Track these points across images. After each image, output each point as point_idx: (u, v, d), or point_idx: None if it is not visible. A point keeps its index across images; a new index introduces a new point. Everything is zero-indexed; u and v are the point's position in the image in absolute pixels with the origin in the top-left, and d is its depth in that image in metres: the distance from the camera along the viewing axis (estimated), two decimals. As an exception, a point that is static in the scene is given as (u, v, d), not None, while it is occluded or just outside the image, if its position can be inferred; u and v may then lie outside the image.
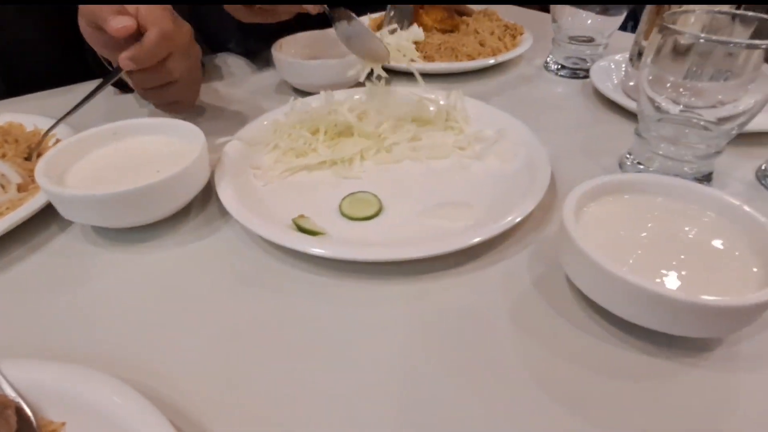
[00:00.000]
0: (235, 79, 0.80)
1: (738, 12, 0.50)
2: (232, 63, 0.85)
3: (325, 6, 0.61)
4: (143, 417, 0.28)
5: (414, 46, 0.74)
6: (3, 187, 0.48)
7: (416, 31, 0.77)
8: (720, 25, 0.52)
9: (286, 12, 0.67)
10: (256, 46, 0.85)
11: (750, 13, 0.49)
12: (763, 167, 0.52)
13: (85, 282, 0.42)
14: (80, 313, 0.39)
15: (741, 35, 0.51)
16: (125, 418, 0.28)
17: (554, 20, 0.75)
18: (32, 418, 0.29)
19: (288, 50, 0.73)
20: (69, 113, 0.55)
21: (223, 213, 0.47)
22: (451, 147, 0.55)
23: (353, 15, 0.60)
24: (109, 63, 0.60)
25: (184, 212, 0.49)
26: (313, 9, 0.61)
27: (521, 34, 0.84)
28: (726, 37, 0.47)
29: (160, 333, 0.36)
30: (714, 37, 0.44)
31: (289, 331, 0.36)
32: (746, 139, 0.56)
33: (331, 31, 0.80)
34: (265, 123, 0.58)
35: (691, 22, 0.55)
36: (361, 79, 0.62)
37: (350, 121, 0.55)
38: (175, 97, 0.61)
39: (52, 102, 0.73)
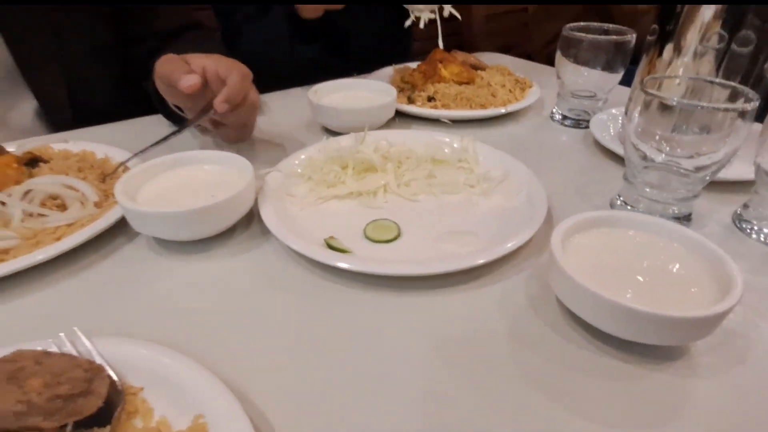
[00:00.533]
0: (274, 116, 0.90)
1: (715, 80, 0.58)
2: (272, 102, 0.96)
3: None
4: (207, 385, 0.35)
5: None
6: (83, 203, 0.57)
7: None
8: (702, 87, 0.60)
9: None
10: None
11: (725, 81, 0.57)
12: (738, 211, 0.59)
13: (149, 283, 0.50)
14: (144, 308, 0.46)
15: (721, 95, 0.59)
16: (191, 385, 0.35)
17: (558, 77, 0.85)
18: (118, 382, 0.36)
19: (322, 95, 0.83)
20: (144, 150, 0.65)
21: (265, 232, 0.56)
22: (462, 184, 0.63)
23: None
24: (180, 109, 0.72)
25: (231, 230, 0.57)
26: None
27: (530, 87, 0.94)
28: (698, 101, 0.55)
29: (211, 325, 0.44)
30: (686, 101, 0.52)
31: (316, 329, 0.44)
32: (725, 187, 0.63)
33: (360, 80, 0.90)
34: (302, 157, 0.67)
35: (676, 84, 0.63)
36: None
37: (374, 161, 0.64)
38: (239, 135, 0.74)
39: (114, 131, 0.83)
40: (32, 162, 0.61)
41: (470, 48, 1.26)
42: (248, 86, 0.67)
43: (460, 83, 0.90)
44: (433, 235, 0.55)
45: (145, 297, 0.48)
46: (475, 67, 0.96)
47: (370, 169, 0.66)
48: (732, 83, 0.55)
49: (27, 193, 0.55)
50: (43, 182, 0.56)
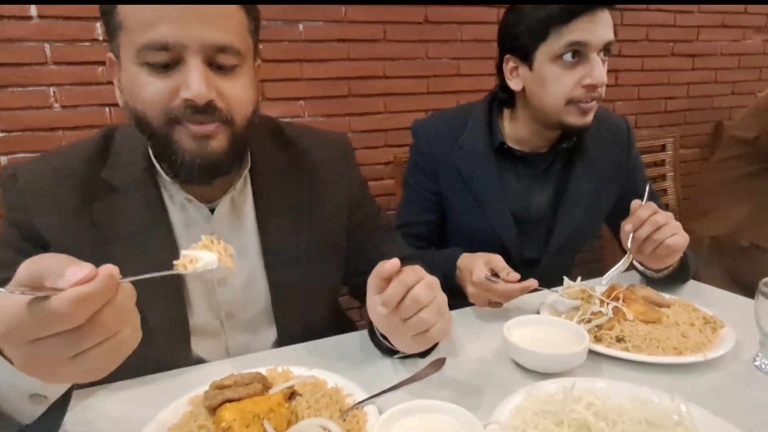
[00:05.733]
0: (460, 352, 0.97)
1: None
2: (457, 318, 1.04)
3: None
4: None
5: None
6: (332, 443, 0.66)
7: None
8: None
9: None
10: None
11: None
12: None
13: None
14: None
15: None
16: None
17: (759, 326, 0.83)
18: None
19: (515, 330, 0.89)
20: (378, 394, 0.76)
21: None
22: (687, 457, 0.63)
23: None
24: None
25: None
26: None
27: (722, 327, 0.93)
28: None
29: None
30: None
31: None
32: None
33: (550, 318, 0.97)
34: (510, 407, 0.72)
35: None
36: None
37: (590, 421, 0.67)
38: (418, 343, 0.74)
39: (323, 348, 0.96)
40: (291, 395, 0.74)
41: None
42: (432, 294, 0.70)
43: (647, 322, 0.92)
44: None
45: None
46: (659, 305, 0.98)
47: (584, 427, 0.68)
48: None
49: (293, 432, 0.67)
50: (308, 423, 0.67)
